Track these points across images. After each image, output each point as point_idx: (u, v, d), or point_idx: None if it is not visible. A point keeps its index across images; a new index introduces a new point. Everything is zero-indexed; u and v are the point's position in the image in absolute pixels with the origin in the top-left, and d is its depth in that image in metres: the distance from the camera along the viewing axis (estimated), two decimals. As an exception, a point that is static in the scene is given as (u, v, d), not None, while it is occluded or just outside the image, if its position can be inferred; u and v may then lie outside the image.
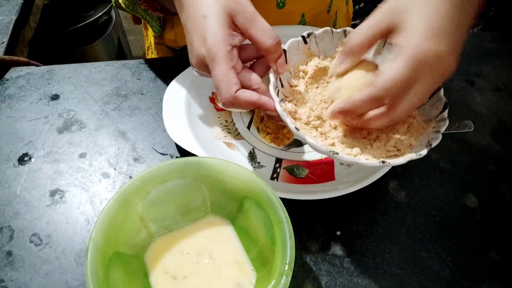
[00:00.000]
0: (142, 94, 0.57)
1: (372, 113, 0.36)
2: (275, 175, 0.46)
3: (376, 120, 0.36)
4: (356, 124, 0.38)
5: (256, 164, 0.48)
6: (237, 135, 0.51)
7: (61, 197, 0.46)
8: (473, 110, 0.57)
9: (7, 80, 0.59)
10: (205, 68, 0.38)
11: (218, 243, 0.38)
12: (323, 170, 0.47)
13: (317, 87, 0.43)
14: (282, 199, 0.35)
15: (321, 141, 0.39)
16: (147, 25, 0.67)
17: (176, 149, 0.51)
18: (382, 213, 0.45)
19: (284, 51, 0.40)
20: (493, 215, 0.45)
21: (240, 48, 0.39)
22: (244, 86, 0.38)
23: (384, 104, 0.35)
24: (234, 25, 0.37)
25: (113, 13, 1.39)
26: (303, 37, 0.42)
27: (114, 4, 0.60)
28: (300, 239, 0.43)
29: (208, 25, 0.36)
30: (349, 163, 0.47)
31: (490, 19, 0.99)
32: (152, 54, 0.75)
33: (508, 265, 0.41)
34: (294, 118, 0.40)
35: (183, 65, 0.55)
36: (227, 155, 0.48)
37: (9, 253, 0.41)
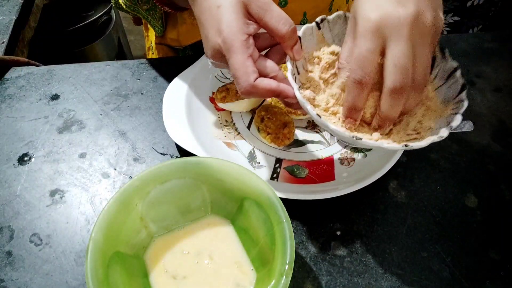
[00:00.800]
0: (142, 94, 0.57)
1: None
2: (275, 175, 0.46)
3: (384, 101, 0.35)
4: (377, 121, 0.38)
5: (256, 164, 0.48)
6: (237, 135, 0.51)
7: (61, 197, 0.46)
8: (473, 110, 0.57)
9: (7, 80, 0.59)
10: (221, 58, 0.38)
11: (218, 243, 0.38)
12: (323, 170, 0.47)
13: (335, 73, 0.42)
14: (282, 199, 0.35)
15: (341, 127, 0.38)
16: (148, 25, 0.67)
17: (176, 149, 0.51)
18: (382, 213, 0.45)
19: (299, 38, 0.39)
20: (493, 215, 0.45)
21: (254, 37, 0.39)
22: (261, 74, 0.37)
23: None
24: (248, 14, 0.37)
25: (113, 13, 1.39)
26: (316, 22, 0.41)
27: (114, 5, 0.60)
28: (300, 239, 0.43)
29: (223, 16, 0.36)
30: (352, 160, 0.47)
31: (490, 19, 0.99)
32: (152, 55, 0.75)
33: (508, 265, 0.41)
34: (313, 105, 0.40)
35: (183, 65, 0.55)
36: (227, 155, 0.48)
37: (9, 253, 0.41)
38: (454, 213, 0.45)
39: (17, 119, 0.54)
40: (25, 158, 0.50)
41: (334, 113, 0.40)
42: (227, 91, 0.51)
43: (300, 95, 0.36)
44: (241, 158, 0.48)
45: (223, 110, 0.53)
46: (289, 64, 0.38)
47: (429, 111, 0.39)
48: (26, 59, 0.63)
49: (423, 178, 0.49)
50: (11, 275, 0.40)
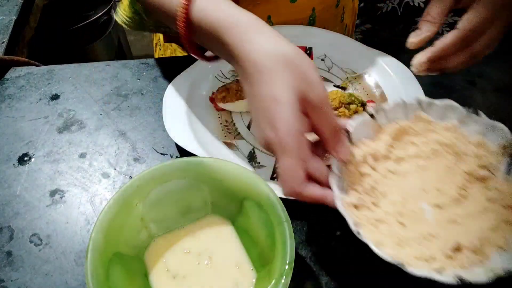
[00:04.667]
0: (142, 94, 0.57)
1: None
2: (275, 175, 0.46)
3: (456, 57, 0.42)
4: (435, 65, 0.42)
5: (256, 164, 0.48)
6: (237, 135, 0.51)
7: (61, 197, 0.46)
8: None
9: (7, 80, 0.59)
10: (273, 152, 0.35)
11: (219, 244, 0.38)
12: (324, 170, 0.47)
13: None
14: (282, 199, 0.35)
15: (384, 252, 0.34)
16: None
17: (176, 149, 0.51)
18: (382, 213, 0.45)
19: (348, 132, 0.37)
20: (493, 215, 0.45)
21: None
22: (308, 173, 0.35)
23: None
24: (303, 107, 0.34)
25: (113, 13, 1.39)
26: (371, 115, 0.39)
27: (122, 24, 0.58)
28: (300, 239, 0.43)
29: (279, 112, 0.33)
30: None
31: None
32: (160, 51, 0.74)
33: (508, 265, 0.41)
34: (358, 208, 0.37)
35: (184, 65, 0.55)
36: (227, 155, 0.48)
37: (9, 253, 0.41)
38: (455, 213, 0.45)
39: (17, 119, 0.54)
40: (25, 158, 0.49)
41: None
42: (227, 91, 0.50)
43: (341, 204, 0.34)
44: (241, 158, 0.48)
45: (223, 110, 0.53)
46: (334, 167, 0.36)
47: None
48: (26, 59, 0.63)
49: (424, 178, 0.48)
50: (11, 275, 0.40)
